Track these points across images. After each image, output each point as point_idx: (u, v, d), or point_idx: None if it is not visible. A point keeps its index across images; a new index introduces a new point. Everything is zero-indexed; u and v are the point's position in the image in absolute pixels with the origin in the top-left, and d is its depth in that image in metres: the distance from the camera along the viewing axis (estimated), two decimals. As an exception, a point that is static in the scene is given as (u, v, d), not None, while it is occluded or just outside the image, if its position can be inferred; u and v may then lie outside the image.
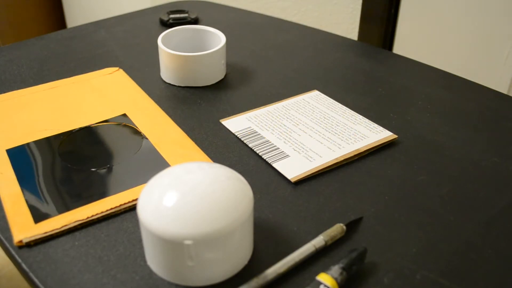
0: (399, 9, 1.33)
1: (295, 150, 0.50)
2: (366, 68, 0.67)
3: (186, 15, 0.80)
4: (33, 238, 0.40)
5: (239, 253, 0.36)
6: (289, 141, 0.51)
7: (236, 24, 0.81)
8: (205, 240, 0.33)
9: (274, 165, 0.48)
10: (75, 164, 0.48)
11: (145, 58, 0.69)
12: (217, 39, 0.65)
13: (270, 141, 0.52)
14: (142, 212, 0.35)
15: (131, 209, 0.43)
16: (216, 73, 0.63)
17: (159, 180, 0.36)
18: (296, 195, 0.45)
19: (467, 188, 0.46)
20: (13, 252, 0.39)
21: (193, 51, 0.68)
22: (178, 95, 0.60)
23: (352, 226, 0.41)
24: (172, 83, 0.63)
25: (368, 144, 0.51)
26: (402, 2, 1.32)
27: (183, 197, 0.34)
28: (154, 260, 0.36)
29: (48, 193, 0.44)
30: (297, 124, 0.54)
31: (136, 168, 0.48)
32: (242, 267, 0.38)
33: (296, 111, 0.57)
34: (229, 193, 0.35)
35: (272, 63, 0.68)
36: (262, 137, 0.52)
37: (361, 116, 0.56)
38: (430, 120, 0.56)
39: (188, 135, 0.53)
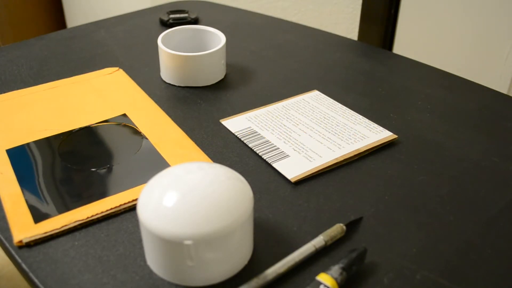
0: (399, 9, 1.33)
1: (295, 150, 0.50)
2: (366, 68, 0.67)
3: (186, 15, 0.80)
4: (33, 238, 0.40)
5: (239, 253, 0.36)
6: (289, 141, 0.51)
7: (236, 24, 0.81)
8: (205, 240, 0.33)
9: (274, 165, 0.48)
10: (75, 164, 0.48)
11: (145, 58, 0.69)
12: (217, 39, 0.65)
13: (270, 141, 0.52)
14: (142, 212, 0.35)
15: (131, 209, 0.43)
16: (216, 73, 0.63)
17: (159, 180, 0.36)
18: (296, 195, 0.45)
19: (467, 188, 0.46)
20: (13, 252, 0.39)
21: (193, 51, 0.68)
22: (178, 95, 0.60)
23: (352, 226, 0.41)
24: (172, 83, 0.63)
25: (368, 144, 0.51)
26: (402, 2, 1.32)
27: (183, 197, 0.34)
28: (154, 260, 0.36)
29: (48, 193, 0.44)
30: (297, 124, 0.54)
31: (136, 168, 0.48)
32: (242, 267, 0.38)
33: (296, 111, 0.57)
34: (229, 193, 0.35)
35: (272, 63, 0.68)
36: (262, 137, 0.52)
37: (361, 116, 0.56)
38: (430, 120, 0.56)
39: (188, 135, 0.53)
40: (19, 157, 0.49)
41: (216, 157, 0.50)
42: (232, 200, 0.35)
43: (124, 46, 0.73)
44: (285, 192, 0.45)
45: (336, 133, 0.53)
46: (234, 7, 0.88)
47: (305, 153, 0.49)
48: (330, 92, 0.61)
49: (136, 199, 0.44)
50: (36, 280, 0.37)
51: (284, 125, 0.54)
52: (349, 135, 0.52)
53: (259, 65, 0.68)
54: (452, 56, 1.28)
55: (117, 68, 0.66)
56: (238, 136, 0.53)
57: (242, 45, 0.74)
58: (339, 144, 0.51)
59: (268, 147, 0.50)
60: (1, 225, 0.41)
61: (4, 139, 0.51)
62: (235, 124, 0.55)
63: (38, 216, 0.42)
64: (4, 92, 0.60)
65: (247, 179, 0.47)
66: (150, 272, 0.37)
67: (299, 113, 0.56)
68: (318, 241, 0.38)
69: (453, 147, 0.52)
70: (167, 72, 0.62)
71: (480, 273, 0.37)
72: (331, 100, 0.59)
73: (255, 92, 0.61)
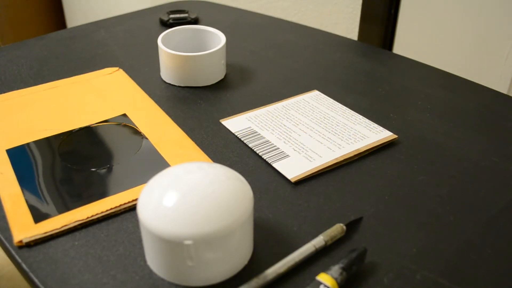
0: (399, 9, 1.33)
1: (295, 150, 0.50)
2: (366, 68, 0.67)
3: (186, 15, 0.80)
4: (33, 238, 0.40)
5: (239, 253, 0.36)
6: (289, 141, 0.51)
7: (236, 24, 0.81)
8: (205, 240, 0.33)
9: (274, 165, 0.48)
10: (75, 164, 0.48)
11: (145, 58, 0.69)
12: (217, 39, 0.65)
13: (270, 141, 0.52)
14: (142, 212, 0.35)
15: (131, 209, 0.43)
16: (216, 73, 0.63)
17: (159, 180, 0.36)
18: (296, 195, 0.45)
19: (467, 188, 0.46)
20: (13, 252, 0.39)
21: (193, 51, 0.68)
22: (178, 95, 0.60)
23: (352, 226, 0.41)
24: (172, 83, 0.63)
25: (368, 144, 0.51)
26: (402, 2, 1.32)
27: (183, 197, 0.34)
28: (154, 260, 0.36)
29: (48, 193, 0.44)
30: (297, 124, 0.54)
31: (136, 168, 0.48)
32: (242, 267, 0.38)
33: (296, 111, 0.57)
34: (229, 193, 0.35)
35: (272, 63, 0.68)
36: (262, 137, 0.52)
37: (361, 116, 0.56)
38: (430, 120, 0.56)
39: (188, 135, 0.53)
40: (19, 157, 0.49)
41: (216, 157, 0.50)
42: (232, 200, 0.35)
43: (124, 46, 0.73)
44: (285, 192, 0.45)
45: (336, 133, 0.53)
46: (234, 7, 0.88)
47: (305, 153, 0.49)
48: (330, 92, 0.61)
49: (136, 199, 0.44)
50: (36, 280, 0.37)
51: (284, 125, 0.54)
52: (349, 135, 0.52)
53: (259, 65, 0.68)
54: (452, 56, 1.28)
55: (117, 68, 0.66)
56: (238, 136, 0.53)
57: (242, 45, 0.74)
58: (339, 144, 0.51)
59: (268, 147, 0.50)
60: (1, 225, 0.41)
61: (4, 139, 0.51)
62: (235, 124, 0.55)
63: (38, 216, 0.42)
64: (4, 92, 0.60)
65: (247, 179, 0.47)
66: (150, 272, 0.37)
67: (299, 113, 0.56)
68: (318, 241, 0.38)
69: (453, 147, 0.52)
70: (167, 72, 0.62)
71: (480, 273, 0.37)
72: (331, 100, 0.59)
73: (255, 92, 0.61)
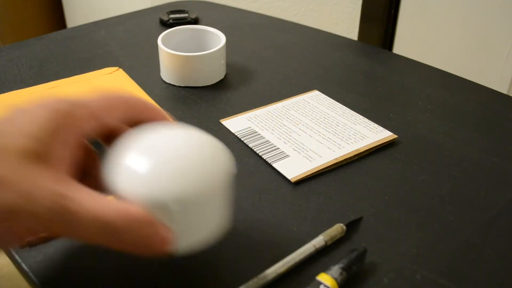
0: (399, 9, 1.34)
1: (295, 150, 0.50)
2: (366, 68, 0.67)
3: (186, 15, 0.80)
4: (33, 238, 0.39)
5: (214, 219, 0.33)
6: (289, 141, 0.51)
7: (236, 24, 0.81)
8: (179, 201, 0.30)
9: (274, 165, 0.48)
10: (75, 164, 0.48)
11: (145, 58, 0.69)
12: (217, 39, 0.65)
13: (270, 141, 0.52)
14: (110, 178, 0.32)
15: (131, 209, 0.43)
16: (216, 73, 0.63)
17: (124, 143, 0.33)
18: (296, 195, 0.45)
19: (467, 188, 0.46)
20: (13, 252, 0.39)
21: (193, 51, 0.68)
22: (178, 95, 0.60)
23: (352, 226, 0.41)
24: (172, 83, 0.63)
25: (368, 144, 0.51)
26: (402, 2, 1.32)
27: (153, 158, 0.31)
28: None
29: (48, 193, 0.44)
30: (297, 124, 0.54)
31: (136, 168, 0.47)
32: (219, 237, 0.34)
33: (296, 111, 0.57)
34: (202, 154, 0.32)
35: (272, 63, 0.68)
36: (262, 137, 0.52)
37: (361, 116, 0.56)
38: (430, 120, 0.56)
39: (188, 135, 0.53)
40: (19, 157, 0.49)
41: (216, 157, 0.50)
42: (205, 161, 0.32)
43: (124, 46, 0.73)
44: (285, 192, 0.45)
45: (336, 133, 0.53)
46: (234, 7, 0.88)
47: (305, 153, 0.49)
48: (330, 92, 0.61)
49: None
50: (36, 280, 0.37)
51: (284, 125, 0.54)
52: (349, 135, 0.52)
53: (259, 65, 0.68)
54: (452, 56, 1.28)
55: (117, 68, 0.66)
56: (238, 136, 0.53)
57: (242, 45, 0.74)
58: (339, 144, 0.51)
59: (268, 147, 0.50)
60: (1, 225, 0.41)
61: (4, 139, 0.51)
62: (235, 124, 0.55)
63: (38, 216, 0.41)
64: (4, 92, 0.60)
65: (247, 179, 0.47)
66: (152, 274, 0.37)
67: (299, 113, 0.56)
68: (318, 241, 0.38)
69: (453, 147, 0.52)
70: (167, 72, 0.62)
71: (480, 273, 0.37)
72: (331, 100, 0.59)
73: (255, 92, 0.61)
